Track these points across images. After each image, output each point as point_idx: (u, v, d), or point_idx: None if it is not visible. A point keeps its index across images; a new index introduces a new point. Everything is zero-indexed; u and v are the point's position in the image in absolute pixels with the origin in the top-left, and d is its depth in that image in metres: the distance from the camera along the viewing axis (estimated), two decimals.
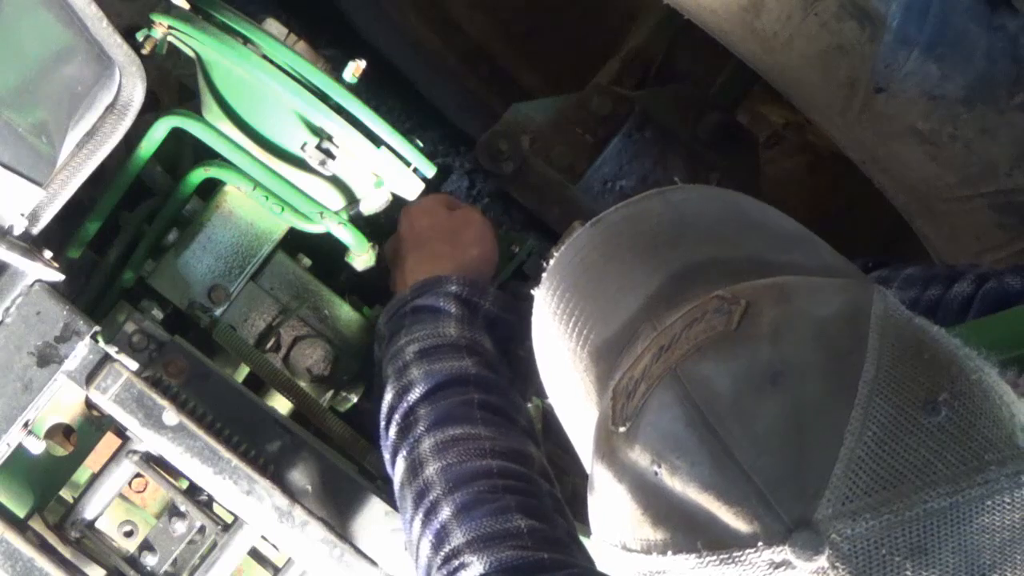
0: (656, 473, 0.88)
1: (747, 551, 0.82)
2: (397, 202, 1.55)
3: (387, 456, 1.34)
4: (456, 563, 1.17)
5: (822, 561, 0.80)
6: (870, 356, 0.85)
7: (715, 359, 0.89)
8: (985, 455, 0.82)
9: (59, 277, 1.32)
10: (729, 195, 1.11)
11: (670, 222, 1.07)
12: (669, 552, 0.86)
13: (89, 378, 1.32)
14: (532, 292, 1.10)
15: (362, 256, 1.53)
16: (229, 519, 1.38)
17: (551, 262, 1.10)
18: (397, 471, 1.30)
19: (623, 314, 1.02)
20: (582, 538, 1.24)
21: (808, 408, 0.84)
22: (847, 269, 1.04)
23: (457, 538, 1.18)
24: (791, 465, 0.83)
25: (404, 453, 1.29)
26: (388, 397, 1.34)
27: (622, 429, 0.93)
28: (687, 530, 0.85)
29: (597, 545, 0.96)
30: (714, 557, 0.84)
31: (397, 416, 1.32)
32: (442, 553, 1.19)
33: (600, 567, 1.19)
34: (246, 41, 1.42)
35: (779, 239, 1.06)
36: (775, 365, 0.86)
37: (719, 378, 0.88)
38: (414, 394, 1.31)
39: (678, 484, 0.86)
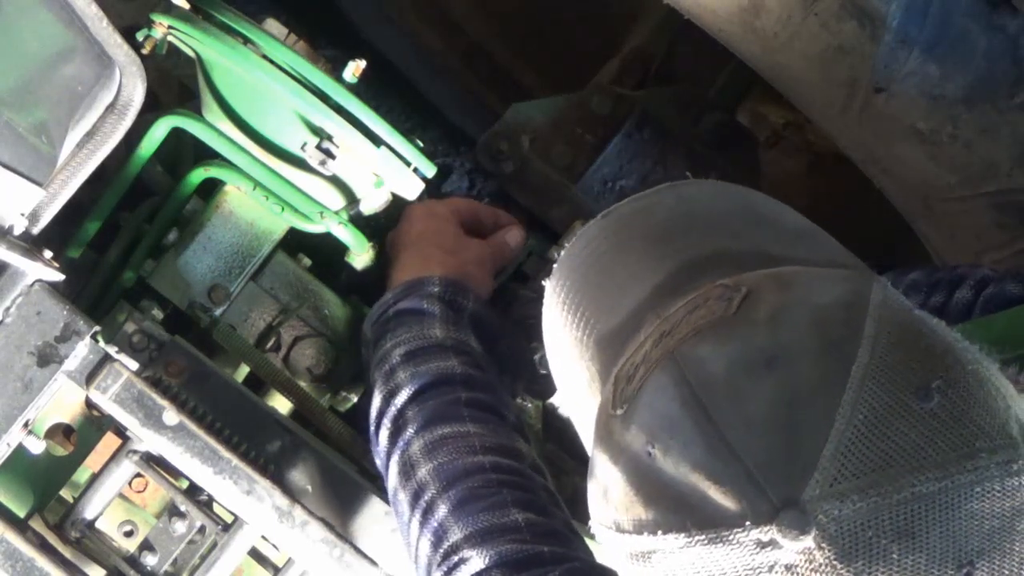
0: (650, 454, 0.88)
1: (735, 530, 0.83)
2: (397, 202, 1.55)
3: (379, 461, 1.34)
4: (456, 558, 1.17)
5: (808, 541, 0.81)
6: (865, 342, 0.86)
7: (712, 342, 0.90)
8: (976, 442, 0.82)
9: (59, 277, 1.33)
10: (739, 190, 1.12)
11: (680, 215, 1.08)
12: (659, 532, 0.86)
13: (89, 378, 1.32)
14: (543, 283, 1.11)
15: (362, 256, 1.53)
16: (229, 519, 1.38)
17: (562, 253, 1.10)
18: (390, 474, 1.30)
19: (629, 304, 1.02)
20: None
21: (801, 391, 0.85)
22: (854, 264, 1.05)
23: (455, 534, 1.19)
24: (781, 447, 0.84)
25: (396, 457, 1.29)
26: (376, 402, 1.34)
27: (619, 412, 0.93)
28: (678, 510, 0.86)
29: (594, 530, 0.96)
30: (703, 536, 0.84)
31: (386, 420, 1.32)
32: (441, 550, 1.19)
33: (599, 559, 1.20)
34: (246, 41, 1.42)
35: (786, 233, 1.07)
36: (771, 349, 0.87)
37: (714, 360, 0.88)
38: (402, 397, 1.31)
39: (670, 464, 0.87)
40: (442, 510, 1.21)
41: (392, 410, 1.32)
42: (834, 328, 0.87)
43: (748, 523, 0.82)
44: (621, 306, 1.03)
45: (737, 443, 0.84)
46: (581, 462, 1.54)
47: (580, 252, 1.09)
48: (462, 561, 1.17)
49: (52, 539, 1.36)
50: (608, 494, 0.92)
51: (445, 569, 1.17)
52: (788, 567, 0.82)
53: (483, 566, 1.15)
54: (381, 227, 1.56)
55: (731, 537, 0.83)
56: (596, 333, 1.04)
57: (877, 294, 0.90)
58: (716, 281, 0.96)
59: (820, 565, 0.81)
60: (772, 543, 0.82)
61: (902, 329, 0.88)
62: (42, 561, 1.29)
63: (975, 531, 0.81)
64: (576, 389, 1.07)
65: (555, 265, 1.10)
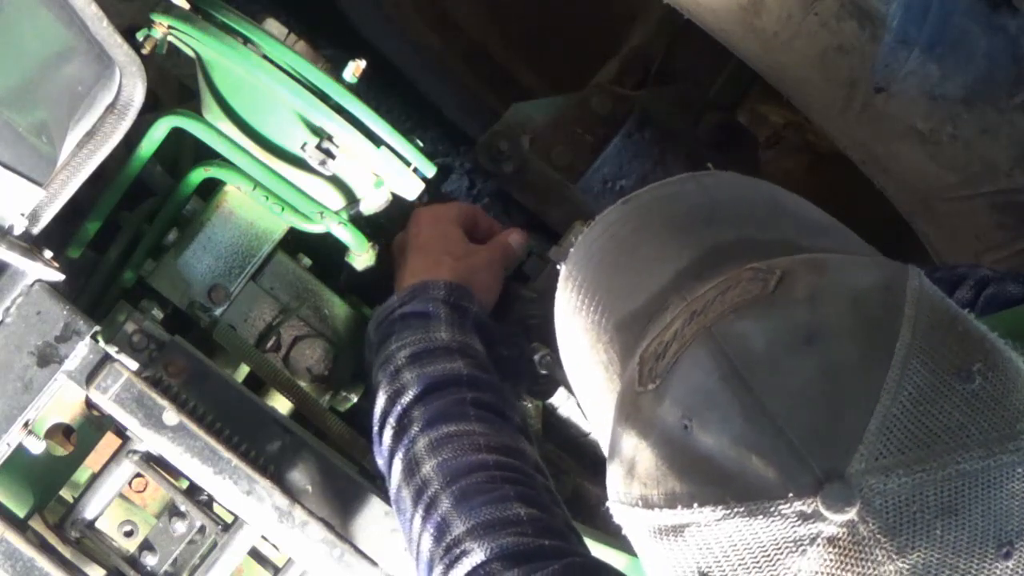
0: (686, 427, 0.89)
1: (776, 502, 0.83)
2: (397, 202, 1.55)
3: (381, 461, 1.34)
4: (457, 551, 1.17)
5: (852, 514, 0.82)
6: (906, 323, 0.87)
7: (751, 318, 0.91)
8: (1017, 424, 0.84)
9: (59, 277, 1.33)
10: (761, 183, 1.13)
11: (702, 203, 1.08)
12: (695, 504, 0.87)
13: (89, 378, 1.32)
14: (559, 266, 1.11)
15: (362, 256, 1.53)
16: (229, 519, 1.38)
17: (579, 237, 1.11)
18: (393, 473, 1.30)
19: (651, 287, 1.03)
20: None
21: (843, 367, 0.86)
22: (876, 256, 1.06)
23: (457, 527, 1.19)
24: (825, 420, 0.84)
25: (400, 455, 1.29)
26: (380, 402, 1.34)
27: (651, 387, 0.94)
28: (715, 482, 0.86)
29: (613, 509, 0.96)
30: (742, 508, 0.85)
31: (391, 420, 1.32)
32: (443, 544, 1.19)
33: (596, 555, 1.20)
34: (246, 41, 1.42)
35: (810, 225, 1.08)
36: (811, 326, 0.88)
37: (754, 336, 0.89)
38: (407, 397, 1.31)
39: (709, 437, 0.87)
40: (445, 504, 1.21)
41: (397, 410, 1.32)
42: (874, 308, 0.89)
43: (791, 494, 0.83)
44: (642, 290, 1.03)
45: (779, 415, 0.85)
46: (581, 462, 1.55)
47: (599, 237, 1.09)
48: (463, 554, 1.17)
49: (52, 539, 1.36)
50: (635, 470, 0.92)
51: (447, 562, 1.18)
52: (831, 539, 0.82)
53: (484, 558, 1.16)
54: (381, 227, 1.56)
55: (772, 509, 0.83)
56: (615, 316, 1.04)
57: (913, 280, 0.91)
58: (744, 266, 0.96)
59: (863, 538, 0.82)
60: (816, 515, 0.82)
61: (939, 313, 0.89)
62: (42, 561, 1.29)
63: (1016, 511, 0.82)
64: (590, 373, 1.08)
65: (571, 249, 1.10)
